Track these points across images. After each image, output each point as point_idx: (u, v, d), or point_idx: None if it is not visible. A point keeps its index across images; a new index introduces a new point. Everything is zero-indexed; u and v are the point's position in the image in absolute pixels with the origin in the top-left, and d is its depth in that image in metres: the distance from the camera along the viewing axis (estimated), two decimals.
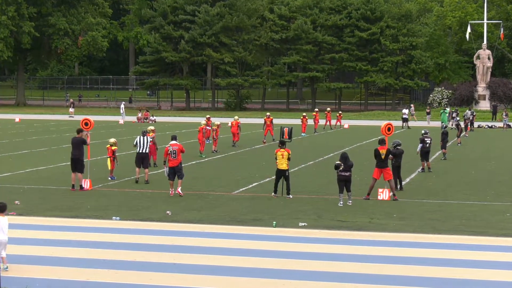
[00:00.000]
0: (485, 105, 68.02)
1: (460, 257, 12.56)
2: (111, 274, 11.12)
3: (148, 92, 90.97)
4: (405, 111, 51.16)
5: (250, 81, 76.18)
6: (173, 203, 17.62)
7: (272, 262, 12.01)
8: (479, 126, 50.80)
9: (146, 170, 21.00)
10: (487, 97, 68.98)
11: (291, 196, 18.57)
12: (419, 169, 24.29)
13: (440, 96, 69.79)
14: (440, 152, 29.00)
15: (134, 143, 21.27)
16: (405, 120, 49.81)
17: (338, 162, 17.76)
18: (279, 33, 75.00)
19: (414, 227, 14.99)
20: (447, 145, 28.71)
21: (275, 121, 40.04)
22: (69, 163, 20.06)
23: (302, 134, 41.46)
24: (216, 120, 35.39)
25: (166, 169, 19.03)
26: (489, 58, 69.47)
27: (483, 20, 71.54)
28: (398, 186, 19.88)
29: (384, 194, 18.56)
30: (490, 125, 52.63)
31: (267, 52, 78.68)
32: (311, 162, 27.15)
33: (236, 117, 34.51)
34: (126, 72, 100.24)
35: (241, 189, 20.18)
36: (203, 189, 20.12)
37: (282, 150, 18.50)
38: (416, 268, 11.65)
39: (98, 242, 13.40)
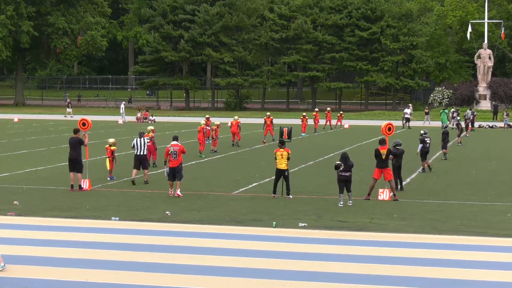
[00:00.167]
0: (486, 105, 67.97)
1: (461, 257, 12.52)
2: (110, 274, 11.08)
3: (148, 92, 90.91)
4: (407, 110, 51.12)
5: (250, 81, 76.11)
6: (173, 204, 17.57)
7: (272, 262, 11.96)
8: (479, 126, 50.75)
9: (146, 170, 20.96)
10: (488, 97, 68.93)
11: (291, 196, 18.52)
12: (420, 169, 24.24)
13: (441, 96, 69.74)
14: (440, 152, 28.95)
15: (132, 145, 21.18)
16: (407, 120, 49.77)
17: (339, 162, 17.71)
18: (279, 33, 74.94)
19: (414, 228, 14.95)
20: (447, 145, 28.64)
21: (275, 121, 39.99)
22: (68, 163, 19.98)
23: (302, 134, 41.40)
24: (216, 120, 35.34)
25: (166, 169, 18.97)
26: (490, 58, 69.42)
27: (484, 20, 71.48)
28: (399, 186, 19.83)
29: (384, 194, 18.52)
30: (491, 125, 52.56)
31: (267, 51, 78.62)
32: (311, 162, 27.10)
33: (236, 117, 34.45)
34: (126, 72, 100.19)
35: (241, 189, 20.12)
36: (203, 189, 20.06)
37: (281, 150, 18.45)
38: (416, 269, 11.60)
39: (97, 242, 13.35)
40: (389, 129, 19.76)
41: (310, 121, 44.46)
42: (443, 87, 71.12)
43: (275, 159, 18.57)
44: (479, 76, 70.13)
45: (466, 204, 17.99)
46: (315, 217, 15.98)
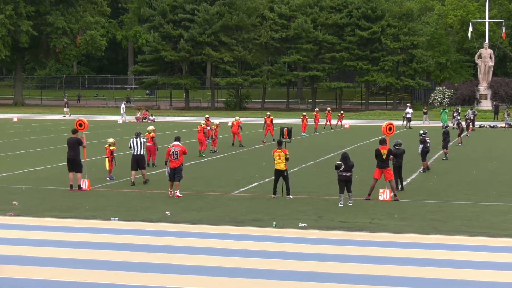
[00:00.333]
0: (486, 104, 67.93)
1: (461, 258, 12.47)
2: (110, 275, 11.03)
3: (147, 91, 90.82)
4: (409, 110, 51.08)
5: (250, 81, 76.03)
6: (172, 204, 17.51)
7: (272, 263, 11.91)
8: (480, 126, 50.67)
9: (143, 170, 20.80)
10: (488, 96, 68.88)
11: (291, 196, 18.46)
12: (420, 169, 24.18)
13: (442, 96, 69.68)
14: (441, 152, 28.88)
15: (129, 145, 21.07)
16: (409, 119, 49.73)
17: (339, 162, 17.66)
18: (279, 32, 74.86)
19: (415, 228, 14.90)
20: (448, 144, 28.58)
21: (275, 120, 39.94)
22: (67, 163, 19.91)
23: (302, 134, 41.34)
24: (215, 120, 35.29)
25: (167, 169, 18.89)
26: (490, 58, 69.36)
27: (485, 19, 71.42)
28: (399, 187, 19.77)
29: (385, 194, 18.46)
30: (491, 125, 52.49)
31: (267, 51, 78.54)
32: (311, 162, 27.06)
33: (237, 117, 34.40)
34: (125, 72, 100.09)
35: (241, 189, 20.07)
36: (203, 189, 20.01)
37: (278, 150, 18.42)
38: (417, 269, 11.55)
39: (96, 242, 13.30)
40: (390, 129, 19.69)
41: (310, 121, 44.40)
42: (444, 87, 71.05)
43: (274, 159, 18.51)
44: (480, 76, 70.07)
45: (467, 204, 17.93)
46: (316, 217, 15.93)
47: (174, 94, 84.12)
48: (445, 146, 28.07)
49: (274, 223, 15.08)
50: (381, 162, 18.34)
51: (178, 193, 18.47)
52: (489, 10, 71.66)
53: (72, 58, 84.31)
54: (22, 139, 37.58)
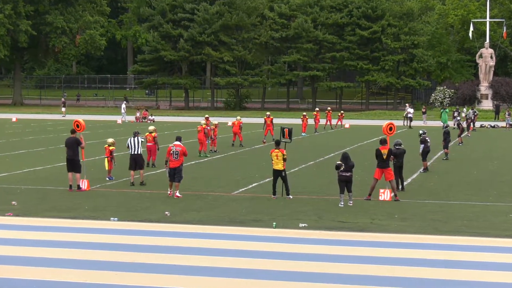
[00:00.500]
0: (487, 104, 67.89)
1: (462, 258, 12.43)
2: (109, 275, 10.99)
3: (147, 91, 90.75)
4: (410, 110, 51.04)
5: (250, 80, 75.97)
6: (172, 204, 17.46)
7: (272, 263, 11.86)
8: (481, 126, 50.61)
9: (141, 171, 20.59)
10: (489, 96, 68.84)
11: (291, 196, 18.40)
12: (421, 169, 24.12)
13: (442, 96, 69.62)
14: (442, 152, 28.82)
15: (126, 145, 20.96)
16: (410, 119, 49.67)
17: (339, 162, 17.60)
18: (279, 32, 74.80)
19: (415, 228, 14.85)
20: (449, 144, 28.52)
21: (275, 120, 39.90)
22: (66, 163, 19.85)
23: (303, 134, 41.28)
24: (214, 120, 35.23)
25: (167, 169, 18.81)
26: (491, 57, 69.30)
27: (486, 19, 71.36)
28: (400, 187, 19.71)
29: (385, 194, 18.41)
30: (492, 125, 52.42)
31: (267, 51, 78.48)
32: (311, 162, 27.00)
33: (238, 117, 34.34)
34: (125, 71, 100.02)
35: (240, 190, 20.02)
36: (203, 189, 19.96)
37: (276, 150, 18.38)
38: (418, 270, 11.50)
39: (96, 243, 13.26)
40: (390, 128, 19.63)
41: (310, 121, 44.35)
42: (445, 87, 71.01)
43: (272, 159, 18.46)
44: (481, 76, 70.01)
45: (468, 205, 17.89)
46: (316, 218, 15.88)
47: (173, 94, 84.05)
48: (445, 146, 28.01)
49: (274, 223, 15.02)
50: (382, 162, 18.29)
51: (177, 193, 18.41)
52: (490, 10, 71.61)
53: (71, 57, 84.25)
54: (21, 139, 37.51)
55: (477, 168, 25.66)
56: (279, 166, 18.31)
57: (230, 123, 34.63)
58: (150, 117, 55.61)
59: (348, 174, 17.41)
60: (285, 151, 18.42)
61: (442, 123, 41.24)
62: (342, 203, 17.37)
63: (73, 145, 19.55)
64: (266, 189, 19.70)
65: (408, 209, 17.12)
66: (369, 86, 79.55)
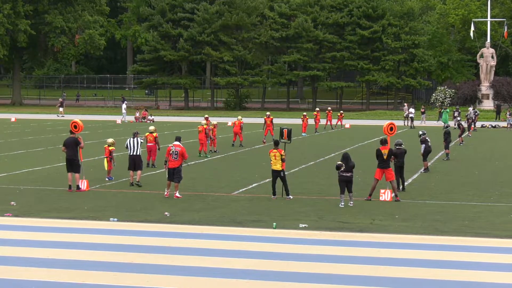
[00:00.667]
0: (488, 104, 67.84)
1: (463, 259, 12.37)
2: (109, 276, 10.94)
3: (146, 91, 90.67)
4: (412, 110, 51.00)
5: (250, 80, 75.91)
6: (172, 204, 17.39)
7: (273, 264, 11.81)
8: (482, 126, 50.53)
9: (139, 172, 20.42)
10: (490, 96, 68.79)
11: (291, 196, 18.33)
12: (422, 170, 24.05)
13: (443, 95, 69.56)
14: (443, 152, 28.76)
15: (125, 145, 20.89)
16: (411, 119, 49.62)
17: (340, 162, 17.54)
18: (279, 31, 74.74)
19: (416, 229, 14.80)
20: (450, 145, 28.45)
21: (275, 120, 39.83)
22: (65, 163, 19.78)
23: (303, 134, 41.21)
24: (214, 120, 35.17)
25: (166, 169, 18.73)
26: (492, 57, 69.25)
27: (487, 18, 71.29)
28: (401, 187, 19.64)
29: (386, 195, 18.35)
30: (493, 125, 52.35)
31: (267, 50, 78.42)
32: (311, 163, 26.94)
33: (239, 117, 34.26)
34: (124, 71, 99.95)
35: (240, 190, 19.96)
36: (202, 189, 19.90)
37: (274, 150, 18.32)
38: (418, 270, 11.45)
39: (95, 243, 13.21)
40: (391, 128, 19.56)
41: (311, 121, 44.30)
42: (445, 87, 70.95)
43: (270, 160, 18.41)
44: (482, 75, 69.96)
45: (469, 205, 17.83)
46: (316, 218, 15.83)
47: (173, 94, 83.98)
48: (446, 147, 27.95)
49: (274, 224, 14.96)
50: (382, 162, 18.24)
51: (177, 194, 18.33)
52: (491, 9, 71.55)
53: (71, 57, 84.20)
54: (20, 139, 37.44)
55: (478, 168, 25.60)
56: (277, 166, 18.25)
57: (230, 123, 34.53)
58: (149, 117, 55.53)
59: (348, 174, 17.35)
60: (283, 151, 18.33)
61: (443, 123, 41.21)
62: (343, 203, 17.31)
63: (72, 145, 19.48)
64: (266, 189, 19.63)
65: (408, 210, 17.07)
66: (370, 86, 79.49)
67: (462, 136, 35.70)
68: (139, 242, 13.38)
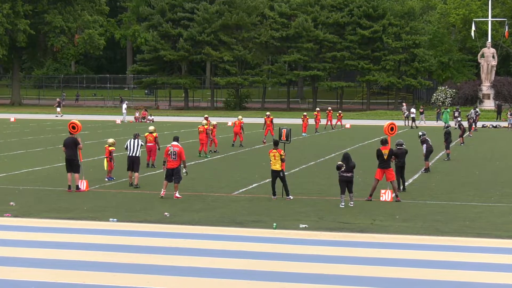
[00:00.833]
0: (489, 104, 67.80)
1: (464, 259, 12.35)
2: (108, 276, 10.91)
3: (146, 91, 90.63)
4: (413, 110, 50.98)
5: (250, 80, 75.88)
6: (171, 205, 17.35)
7: (273, 264, 11.78)
8: (483, 126, 50.48)
9: (136, 174, 20.29)
10: (491, 96, 68.75)
11: (291, 197, 18.29)
12: (422, 170, 24.01)
13: (444, 95, 69.52)
14: (443, 152, 28.72)
15: (125, 146, 20.81)
16: (413, 119, 49.60)
17: (340, 162, 17.50)
18: (279, 31, 74.71)
19: (417, 229, 14.77)
20: (450, 145, 28.40)
21: (276, 120, 39.80)
22: (65, 163, 19.74)
23: (303, 134, 41.17)
24: (213, 120, 35.14)
25: (165, 170, 18.66)
26: (493, 57, 69.21)
27: (488, 18, 71.24)
28: (401, 187, 19.59)
29: (386, 195, 18.30)
30: (494, 125, 52.30)
31: (267, 50, 78.38)
32: (312, 163, 26.89)
33: (240, 117, 34.22)
34: (124, 71, 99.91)
35: (240, 190, 19.92)
36: (202, 190, 19.86)
37: (274, 151, 18.27)
38: (419, 271, 11.42)
39: (95, 244, 13.18)
40: (392, 129, 19.51)
41: (311, 121, 44.27)
42: (446, 86, 70.92)
43: (270, 160, 18.36)
44: (483, 75, 69.91)
45: (470, 205, 17.79)
46: (316, 219, 15.79)
47: (173, 94, 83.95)
48: (447, 147, 27.91)
49: (275, 224, 14.91)
50: (383, 163, 18.19)
51: (177, 194, 18.28)
52: (491, 9, 71.52)
53: (70, 57, 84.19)
54: (20, 139, 37.40)
55: (479, 169, 25.56)
56: (276, 166, 18.20)
57: (230, 123, 34.49)
58: (149, 117, 55.49)
59: (349, 174, 17.30)
60: (283, 151, 18.28)
61: (442, 123, 41.17)
62: (343, 203, 17.26)
63: (71, 145, 19.43)
64: (266, 189, 19.59)
65: (409, 210, 17.03)
66: (370, 86, 79.45)
67: (463, 136, 35.65)
68: (139, 242, 13.35)
